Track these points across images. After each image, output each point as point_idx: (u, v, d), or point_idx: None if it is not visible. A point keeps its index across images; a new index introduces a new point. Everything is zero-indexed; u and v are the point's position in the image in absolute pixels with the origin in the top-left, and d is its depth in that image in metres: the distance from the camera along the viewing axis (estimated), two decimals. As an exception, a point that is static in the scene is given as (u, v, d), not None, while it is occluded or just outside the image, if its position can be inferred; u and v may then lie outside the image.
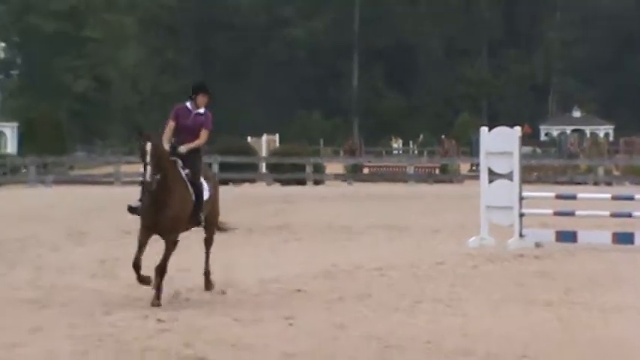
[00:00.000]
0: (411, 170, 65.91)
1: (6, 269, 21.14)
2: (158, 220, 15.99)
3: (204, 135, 16.56)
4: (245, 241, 26.91)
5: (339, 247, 25.78)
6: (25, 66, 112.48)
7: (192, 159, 16.37)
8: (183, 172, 16.20)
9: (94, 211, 35.32)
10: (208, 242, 17.87)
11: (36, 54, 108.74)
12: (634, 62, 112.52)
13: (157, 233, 16.35)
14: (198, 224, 16.91)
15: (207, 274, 17.73)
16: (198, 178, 16.52)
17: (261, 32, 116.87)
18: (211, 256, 17.84)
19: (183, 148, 16.13)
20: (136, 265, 16.04)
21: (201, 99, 16.40)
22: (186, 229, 16.95)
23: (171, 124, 16.30)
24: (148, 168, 15.25)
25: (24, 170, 60.23)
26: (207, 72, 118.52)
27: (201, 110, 16.44)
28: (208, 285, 17.71)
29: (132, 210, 16.65)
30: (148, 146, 15.19)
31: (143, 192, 16.26)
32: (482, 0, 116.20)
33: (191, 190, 16.36)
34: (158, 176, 15.53)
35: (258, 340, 14.07)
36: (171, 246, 16.42)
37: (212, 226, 17.71)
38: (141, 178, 16.18)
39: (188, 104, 16.49)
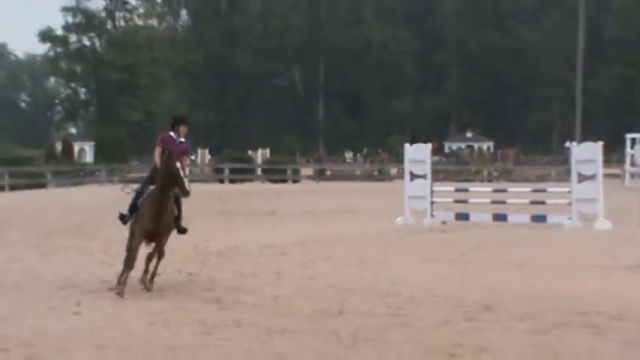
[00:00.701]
0: (358, 173, 66.04)
1: (86, 241, 21.17)
2: (159, 225, 13.32)
3: (185, 161, 13.99)
4: (247, 221, 26.97)
5: (310, 224, 25.77)
6: (99, 104, 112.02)
7: None
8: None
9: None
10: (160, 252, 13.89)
11: (106, 95, 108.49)
12: (505, 99, 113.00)
13: (154, 236, 13.55)
14: (179, 231, 13.94)
15: (153, 276, 13.89)
16: (179, 197, 13.79)
17: (258, 80, 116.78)
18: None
19: None
20: (132, 265, 13.39)
21: (183, 129, 14.10)
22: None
23: (158, 149, 13.82)
24: (186, 180, 12.98)
25: (97, 173, 60.10)
26: (222, 108, 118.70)
27: (183, 139, 14.07)
28: (150, 285, 13.77)
29: (123, 217, 14.11)
30: (178, 164, 13.14)
31: (137, 201, 13.70)
32: (406, 58, 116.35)
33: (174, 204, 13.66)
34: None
35: (256, 286, 14.09)
36: (163, 248, 13.72)
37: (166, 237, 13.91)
38: (132, 188, 14.13)
39: (172, 133, 14.11)
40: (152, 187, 13.52)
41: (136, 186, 14.47)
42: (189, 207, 15.17)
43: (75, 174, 59.74)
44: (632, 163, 49.46)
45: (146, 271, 13.87)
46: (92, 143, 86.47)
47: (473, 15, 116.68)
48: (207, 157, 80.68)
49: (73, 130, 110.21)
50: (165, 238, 13.74)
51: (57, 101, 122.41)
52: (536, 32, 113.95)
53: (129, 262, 13.41)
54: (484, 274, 15.47)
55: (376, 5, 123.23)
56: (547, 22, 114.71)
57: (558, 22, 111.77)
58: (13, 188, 47.73)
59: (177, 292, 13.48)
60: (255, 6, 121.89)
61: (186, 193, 13.09)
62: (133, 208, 13.83)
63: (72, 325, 11.19)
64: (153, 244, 13.78)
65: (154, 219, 13.30)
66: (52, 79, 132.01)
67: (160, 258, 13.81)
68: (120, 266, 13.98)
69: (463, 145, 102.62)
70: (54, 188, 51.41)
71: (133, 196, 14.06)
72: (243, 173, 60.52)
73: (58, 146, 75.27)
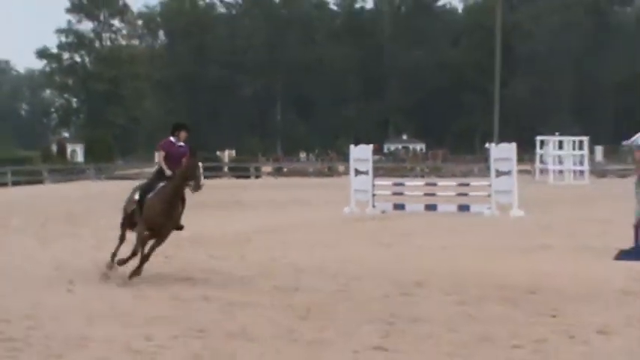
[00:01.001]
0: (311, 170, 66.12)
1: (77, 229, 21.02)
2: (169, 221, 12.44)
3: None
4: (215, 211, 26.84)
5: (271, 213, 25.78)
6: (88, 112, 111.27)
7: None
8: None
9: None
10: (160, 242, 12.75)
11: (94, 103, 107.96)
12: (434, 107, 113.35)
13: (160, 231, 12.56)
14: (177, 228, 12.84)
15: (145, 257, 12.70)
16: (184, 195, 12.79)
17: (226, 90, 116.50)
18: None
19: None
20: (136, 254, 12.67)
21: (182, 134, 13.14)
22: None
23: (162, 153, 12.96)
24: (202, 177, 12.13)
25: (87, 171, 59.71)
26: (194, 114, 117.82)
27: (182, 143, 13.20)
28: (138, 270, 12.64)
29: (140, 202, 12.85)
30: (200, 164, 12.23)
31: (145, 195, 12.64)
32: (351, 72, 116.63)
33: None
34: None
35: (225, 268, 14.05)
36: (164, 240, 12.77)
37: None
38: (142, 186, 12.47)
39: (172, 138, 13.14)
40: (162, 184, 12.62)
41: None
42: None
43: (68, 172, 59.33)
44: (541, 161, 50.38)
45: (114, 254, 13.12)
46: (82, 145, 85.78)
47: (407, 36, 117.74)
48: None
49: (66, 134, 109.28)
50: (170, 232, 12.64)
51: (52, 109, 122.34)
52: (459, 49, 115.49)
53: (136, 250, 12.61)
54: (417, 255, 15.54)
55: (326, 28, 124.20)
56: (469, 40, 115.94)
57: (479, 40, 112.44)
58: (14, 184, 48.13)
59: (156, 272, 13.39)
60: (223, 28, 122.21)
61: (199, 187, 12.14)
62: (141, 202, 12.77)
63: (66, 300, 11.12)
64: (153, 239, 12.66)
65: (164, 213, 12.36)
66: (48, 91, 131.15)
67: (157, 246, 12.74)
68: (108, 250, 13.88)
69: (400, 146, 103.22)
70: (50, 184, 51.25)
71: (138, 191, 13.00)
72: (212, 171, 59.99)
73: (54, 148, 74.56)
